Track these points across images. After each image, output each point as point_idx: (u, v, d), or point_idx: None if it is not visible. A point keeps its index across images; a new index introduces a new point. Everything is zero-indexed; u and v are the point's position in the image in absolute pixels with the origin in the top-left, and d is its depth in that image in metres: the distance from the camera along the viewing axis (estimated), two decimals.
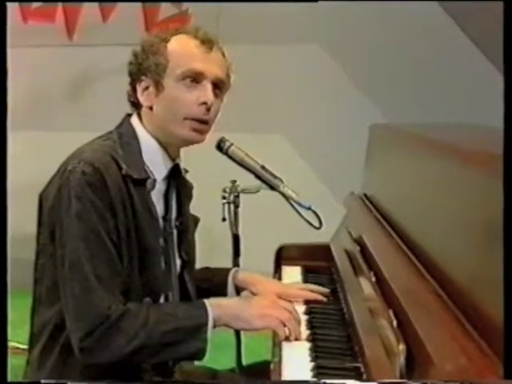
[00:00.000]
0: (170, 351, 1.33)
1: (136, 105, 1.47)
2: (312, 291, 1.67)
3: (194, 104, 1.40)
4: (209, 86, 1.41)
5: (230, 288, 1.63)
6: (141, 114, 1.47)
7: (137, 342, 1.29)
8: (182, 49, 1.41)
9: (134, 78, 1.45)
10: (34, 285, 1.45)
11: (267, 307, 1.41)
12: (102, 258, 1.30)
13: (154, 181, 1.42)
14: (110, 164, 1.34)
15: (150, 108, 1.43)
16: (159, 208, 1.45)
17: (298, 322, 1.41)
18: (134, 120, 1.47)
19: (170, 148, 1.46)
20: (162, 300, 1.45)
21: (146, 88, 1.43)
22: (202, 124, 1.42)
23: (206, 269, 1.71)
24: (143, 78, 1.42)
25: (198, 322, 1.34)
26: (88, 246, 1.29)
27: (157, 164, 1.44)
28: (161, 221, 1.46)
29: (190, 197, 1.62)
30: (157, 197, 1.44)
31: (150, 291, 1.40)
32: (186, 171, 1.58)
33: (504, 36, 1.02)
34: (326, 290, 1.69)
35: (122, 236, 1.34)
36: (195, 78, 1.40)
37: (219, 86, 1.44)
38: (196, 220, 1.63)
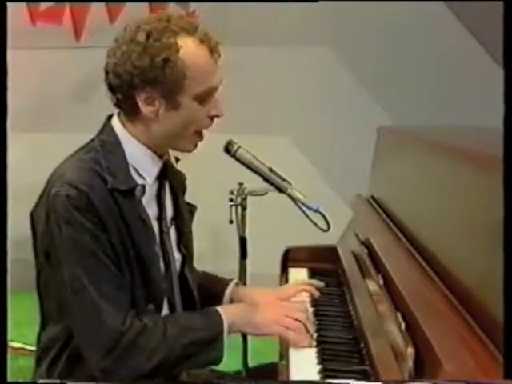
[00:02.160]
0: (189, 362, 1.33)
1: (130, 110, 1.36)
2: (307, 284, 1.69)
3: (204, 117, 1.37)
4: (218, 98, 1.38)
5: (226, 301, 1.61)
6: (130, 118, 1.38)
7: (157, 357, 1.28)
8: (198, 63, 1.31)
9: (133, 87, 1.31)
10: (40, 302, 1.44)
11: (278, 314, 1.41)
12: (104, 277, 1.29)
13: (143, 187, 1.37)
14: (94, 181, 1.30)
15: (152, 118, 1.35)
16: (152, 210, 1.42)
17: (310, 324, 1.41)
18: (115, 123, 1.40)
19: (160, 150, 1.42)
20: (165, 304, 1.44)
21: (149, 98, 1.32)
22: (201, 137, 1.40)
23: (206, 275, 1.69)
24: (148, 89, 1.30)
25: (214, 332, 1.34)
26: (87, 269, 1.27)
27: (146, 167, 1.39)
28: (156, 222, 1.43)
29: (183, 189, 1.57)
30: (148, 199, 1.40)
31: (153, 297, 1.39)
32: (178, 160, 1.53)
33: (504, 36, 1.02)
34: (320, 284, 1.70)
35: (119, 251, 1.31)
36: (211, 93, 1.36)
37: None
38: (192, 209, 1.59)
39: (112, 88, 1.36)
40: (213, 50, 1.34)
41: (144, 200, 1.38)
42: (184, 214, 1.54)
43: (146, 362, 1.28)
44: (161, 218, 1.45)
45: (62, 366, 1.37)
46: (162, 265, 1.43)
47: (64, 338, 1.36)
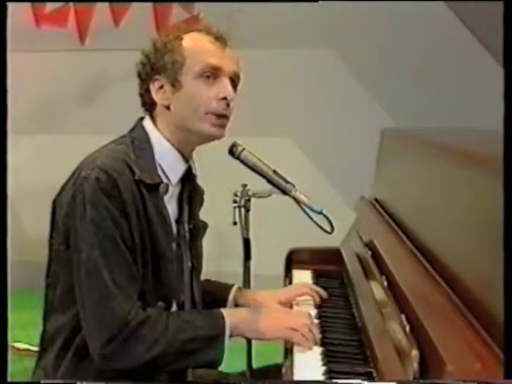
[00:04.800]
0: (188, 359, 1.34)
1: (150, 105, 1.46)
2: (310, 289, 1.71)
3: (213, 99, 1.40)
4: (227, 81, 1.42)
5: (230, 305, 1.63)
6: (154, 116, 1.46)
7: (157, 349, 1.30)
8: (197, 45, 1.42)
9: (147, 78, 1.44)
10: (46, 290, 1.45)
11: (281, 320, 1.42)
12: (119, 264, 1.31)
13: (167, 185, 1.42)
14: (124, 170, 1.34)
15: (167, 107, 1.42)
16: (172, 211, 1.45)
17: (315, 327, 1.42)
18: (147, 123, 1.46)
19: (185, 149, 1.46)
20: (174, 304, 1.46)
21: (161, 87, 1.42)
22: (222, 118, 1.42)
23: (209, 282, 1.71)
24: (157, 77, 1.42)
25: (215, 332, 1.35)
26: (104, 252, 1.29)
27: (171, 167, 1.44)
28: (174, 224, 1.46)
29: (201, 202, 1.62)
30: (170, 200, 1.44)
31: (163, 295, 1.41)
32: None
33: (504, 36, 1.02)
34: (324, 294, 1.71)
35: (136, 241, 1.34)
36: (213, 73, 1.41)
37: (235, 81, 1.46)
38: (205, 226, 1.64)
39: (139, 88, 1.47)
40: (217, 38, 1.43)
41: (165, 199, 1.42)
42: (199, 226, 1.58)
43: (146, 351, 1.29)
44: (179, 220, 1.48)
45: (73, 351, 1.37)
46: (175, 266, 1.45)
47: (70, 327, 1.37)
